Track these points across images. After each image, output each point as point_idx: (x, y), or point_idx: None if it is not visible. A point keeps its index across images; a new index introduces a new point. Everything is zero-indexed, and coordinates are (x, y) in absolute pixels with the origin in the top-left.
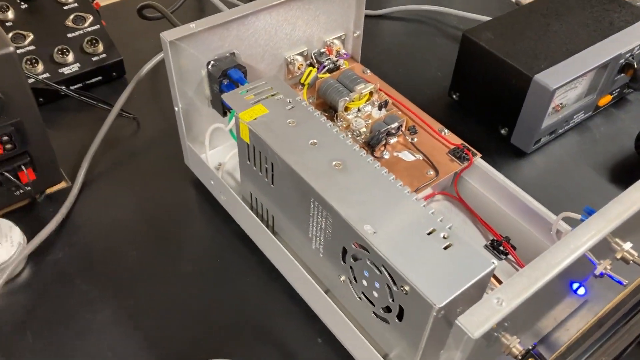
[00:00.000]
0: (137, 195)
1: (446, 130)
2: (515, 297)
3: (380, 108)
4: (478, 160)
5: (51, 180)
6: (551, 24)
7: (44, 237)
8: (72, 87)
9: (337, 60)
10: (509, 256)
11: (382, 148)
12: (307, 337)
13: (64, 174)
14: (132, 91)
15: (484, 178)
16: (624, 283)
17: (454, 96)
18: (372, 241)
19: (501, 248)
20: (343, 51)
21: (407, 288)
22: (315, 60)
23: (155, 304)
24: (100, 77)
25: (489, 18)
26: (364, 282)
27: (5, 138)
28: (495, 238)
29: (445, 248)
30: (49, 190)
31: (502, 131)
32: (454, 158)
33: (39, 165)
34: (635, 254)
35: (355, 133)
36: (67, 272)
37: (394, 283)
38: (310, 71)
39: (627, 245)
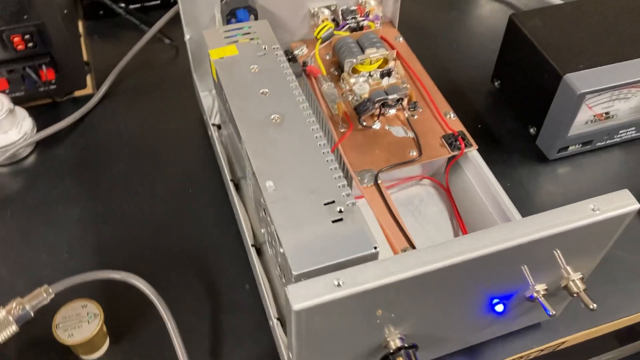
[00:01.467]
0: (151, 116)
1: (452, 114)
2: (360, 283)
3: (382, 76)
4: (473, 153)
5: (75, 84)
6: (618, 23)
7: (52, 131)
8: (130, 6)
9: (362, 21)
10: None
11: (375, 118)
12: (237, 282)
13: (94, 82)
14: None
15: (474, 172)
16: (551, 314)
17: (496, 84)
18: (266, 197)
19: None
20: (378, 13)
21: (281, 250)
22: (341, 17)
23: (120, 214)
24: (158, 1)
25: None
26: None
27: (27, 37)
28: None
29: (334, 222)
30: (77, 94)
31: (532, 130)
32: (445, 144)
33: (62, 68)
34: (583, 287)
35: (355, 98)
36: (62, 167)
37: (279, 243)
38: (326, 25)
39: (576, 275)
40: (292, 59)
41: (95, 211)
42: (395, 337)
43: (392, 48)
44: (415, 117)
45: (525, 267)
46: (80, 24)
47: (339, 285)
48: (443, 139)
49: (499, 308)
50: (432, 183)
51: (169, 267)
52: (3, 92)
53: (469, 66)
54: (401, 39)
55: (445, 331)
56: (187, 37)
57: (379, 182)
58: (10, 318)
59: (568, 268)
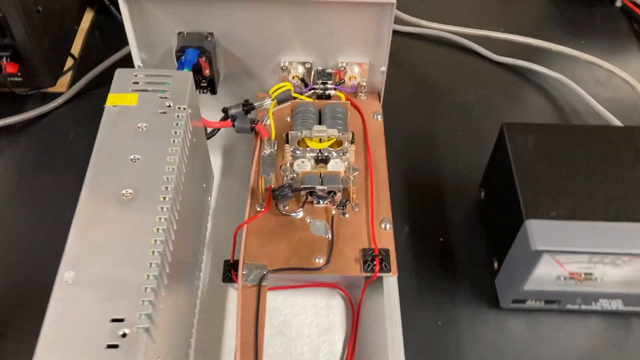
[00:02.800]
0: None
1: (389, 224)
2: None
3: (317, 161)
4: (389, 279)
5: (40, 81)
6: (620, 172)
7: (2, 124)
8: None
9: (330, 89)
10: None
11: (300, 205)
12: None
13: (70, 81)
14: None
15: (387, 301)
16: None
17: (482, 193)
18: (54, 291)
19: None
20: (361, 82)
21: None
22: (311, 78)
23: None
24: None
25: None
26: None
27: None
28: None
29: (108, 347)
30: (52, 89)
31: (495, 264)
32: (360, 260)
33: (26, 64)
34: None
35: (291, 175)
36: (3, 161)
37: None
38: (283, 86)
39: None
40: (247, 110)
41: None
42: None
43: (363, 125)
44: (347, 216)
45: None
46: (89, 17)
47: None
48: (361, 253)
49: None
50: (344, 295)
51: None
52: None
53: (467, 162)
54: (379, 117)
55: None
56: (137, 63)
57: (264, 284)
58: None
59: None
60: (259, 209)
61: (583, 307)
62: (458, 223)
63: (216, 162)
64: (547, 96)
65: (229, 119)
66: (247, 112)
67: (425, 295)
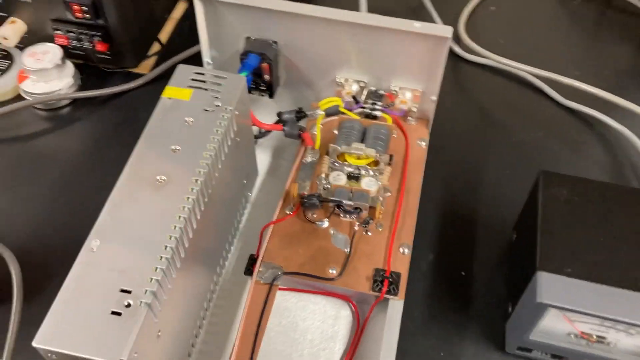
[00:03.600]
0: None
1: (407, 249)
2: None
3: (350, 178)
4: (394, 302)
5: (126, 62)
6: None
7: (84, 96)
8: None
9: (377, 110)
10: None
11: (327, 216)
12: None
13: (153, 64)
14: None
15: (388, 324)
16: None
17: (514, 235)
18: (80, 254)
19: None
20: (412, 107)
21: None
22: (363, 97)
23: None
24: None
25: None
26: None
27: (84, 8)
28: None
29: (112, 313)
30: (135, 70)
31: (510, 307)
32: (370, 279)
33: (115, 45)
34: None
35: (326, 185)
36: (74, 131)
37: None
38: (332, 100)
39: None
40: (299, 118)
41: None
42: None
43: (405, 149)
44: (370, 234)
45: None
46: (183, 8)
47: None
48: (374, 272)
49: None
50: (352, 309)
51: None
52: (64, 46)
53: (507, 202)
54: (424, 144)
55: None
56: (206, 59)
57: (275, 284)
58: None
59: None
60: (288, 212)
61: None
62: (484, 260)
63: (265, 160)
64: (608, 149)
65: (281, 123)
66: (298, 119)
67: (435, 324)
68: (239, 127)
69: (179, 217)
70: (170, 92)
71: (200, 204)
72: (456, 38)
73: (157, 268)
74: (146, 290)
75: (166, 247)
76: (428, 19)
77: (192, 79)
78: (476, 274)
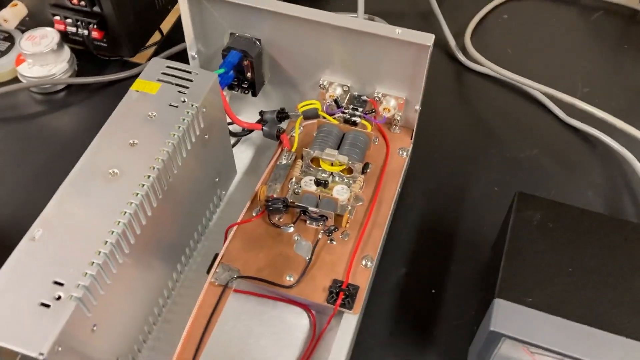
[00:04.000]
0: None
1: (370, 262)
2: None
3: (317, 184)
4: (349, 316)
5: (121, 51)
6: (633, 277)
7: (78, 82)
8: None
9: (357, 117)
10: None
11: (292, 220)
12: None
13: (151, 55)
14: None
15: (338, 337)
16: None
17: (491, 255)
18: (21, 243)
19: None
20: (395, 116)
21: None
22: (345, 102)
23: None
24: None
25: None
26: None
27: None
28: None
29: (41, 305)
30: (133, 59)
31: (476, 330)
32: (327, 290)
33: (111, 33)
34: None
35: (296, 189)
36: (73, 114)
37: None
38: (311, 103)
39: None
40: (281, 118)
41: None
42: None
43: (385, 158)
44: (334, 243)
45: None
46: None
47: None
48: (332, 284)
49: None
50: (309, 315)
51: None
52: (62, 32)
53: (491, 221)
54: (405, 154)
55: None
56: (191, 53)
57: (230, 286)
58: None
59: None
60: (254, 214)
61: None
62: (458, 280)
63: (246, 159)
64: (608, 172)
65: (262, 123)
66: (280, 120)
67: (397, 341)
68: (209, 124)
69: (124, 212)
70: (140, 84)
71: (152, 199)
72: (461, 46)
73: (93, 262)
74: (79, 284)
75: (106, 242)
76: (436, 24)
77: (163, 73)
78: (447, 292)
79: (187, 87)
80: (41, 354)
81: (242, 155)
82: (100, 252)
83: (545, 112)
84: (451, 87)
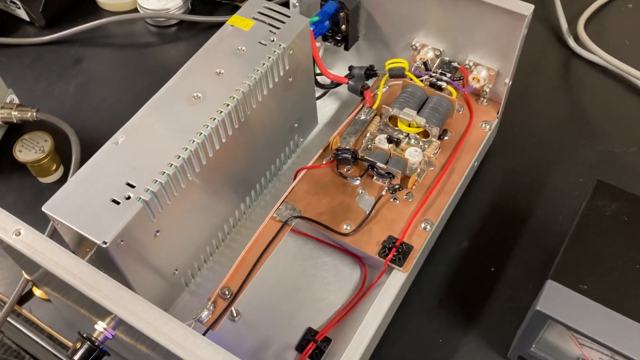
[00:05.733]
0: None
1: (429, 226)
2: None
3: (389, 141)
4: (397, 273)
5: None
6: None
7: (190, 19)
8: None
9: (443, 82)
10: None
11: (360, 174)
12: None
13: None
14: None
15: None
16: None
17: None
18: (104, 146)
19: None
20: (484, 86)
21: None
22: (434, 66)
23: None
24: None
25: None
26: None
27: None
28: None
29: (112, 201)
30: None
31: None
32: (380, 244)
33: None
34: None
35: (369, 145)
36: (182, 48)
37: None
38: (398, 62)
39: None
40: (369, 75)
41: None
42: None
43: (466, 128)
44: (397, 201)
45: None
46: None
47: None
48: (386, 239)
49: None
50: (359, 265)
51: None
52: None
53: (568, 209)
54: (488, 127)
55: None
56: (293, 1)
57: (289, 224)
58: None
59: None
60: (324, 162)
61: None
62: (520, 263)
63: (330, 111)
64: None
65: (349, 77)
66: (368, 77)
67: (445, 311)
68: (294, 68)
69: (200, 133)
70: (235, 20)
71: (227, 127)
72: (573, 32)
73: (164, 172)
74: (148, 189)
75: (179, 156)
76: (551, 6)
77: (259, 12)
78: (506, 274)
79: (278, 28)
80: (105, 242)
81: (327, 108)
82: (172, 164)
83: None
84: (554, 71)
